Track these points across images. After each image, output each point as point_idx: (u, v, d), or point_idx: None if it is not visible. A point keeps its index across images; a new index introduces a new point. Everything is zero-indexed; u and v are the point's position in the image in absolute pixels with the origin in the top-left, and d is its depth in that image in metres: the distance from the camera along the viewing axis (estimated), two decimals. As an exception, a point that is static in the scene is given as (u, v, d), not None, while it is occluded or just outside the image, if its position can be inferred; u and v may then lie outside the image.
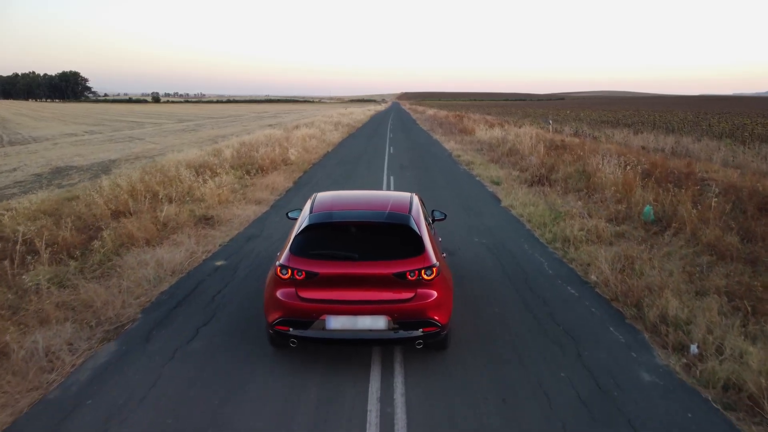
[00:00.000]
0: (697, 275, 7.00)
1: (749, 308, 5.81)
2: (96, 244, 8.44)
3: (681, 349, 5.28)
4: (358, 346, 5.19)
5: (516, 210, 11.69)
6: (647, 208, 10.23)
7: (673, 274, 7.00)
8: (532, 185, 14.92)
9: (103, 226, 9.51)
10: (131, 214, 10.98)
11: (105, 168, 21.16)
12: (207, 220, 10.99)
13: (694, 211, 9.37)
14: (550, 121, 27.48)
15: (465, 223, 10.61)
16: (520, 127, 30.46)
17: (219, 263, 8.08)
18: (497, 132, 29.29)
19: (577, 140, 23.68)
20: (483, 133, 30.74)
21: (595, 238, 8.98)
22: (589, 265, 7.79)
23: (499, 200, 13.04)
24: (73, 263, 7.63)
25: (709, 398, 4.51)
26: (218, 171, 15.77)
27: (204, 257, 8.40)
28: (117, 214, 10.98)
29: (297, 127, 36.07)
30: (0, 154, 28.20)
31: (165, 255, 8.04)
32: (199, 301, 6.61)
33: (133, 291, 6.80)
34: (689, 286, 6.66)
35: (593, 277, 7.32)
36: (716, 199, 9.69)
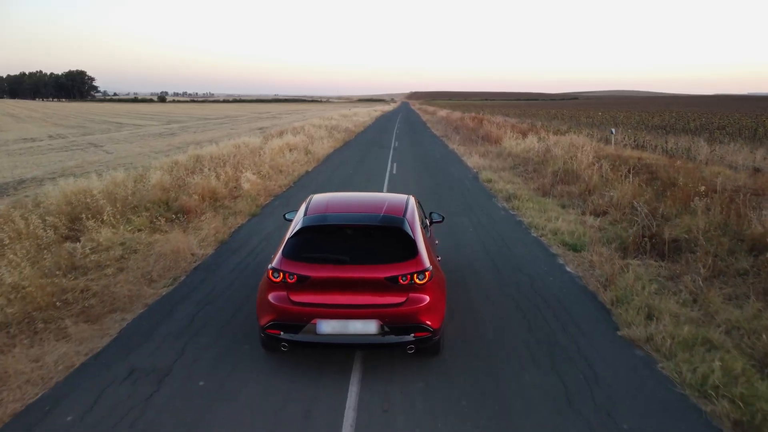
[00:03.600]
0: None
1: None
2: None
3: None
4: (349, 350, 5.06)
5: (670, 365, 4.86)
6: None
7: None
8: (637, 254, 8.30)
9: None
10: None
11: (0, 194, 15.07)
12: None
13: None
14: (613, 131, 20.57)
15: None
16: (563, 135, 23.64)
17: None
18: (532, 142, 22.57)
19: (655, 157, 16.90)
20: (513, 142, 23.99)
21: None
22: None
23: (607, 313, 6.16)
24: None
25: None
26: (101, 219, 9.37)
27: None
28: None
29: (282, 133, 29.41)
30: None
31: None
32: None
33: None
34: None
35: None
36: None
